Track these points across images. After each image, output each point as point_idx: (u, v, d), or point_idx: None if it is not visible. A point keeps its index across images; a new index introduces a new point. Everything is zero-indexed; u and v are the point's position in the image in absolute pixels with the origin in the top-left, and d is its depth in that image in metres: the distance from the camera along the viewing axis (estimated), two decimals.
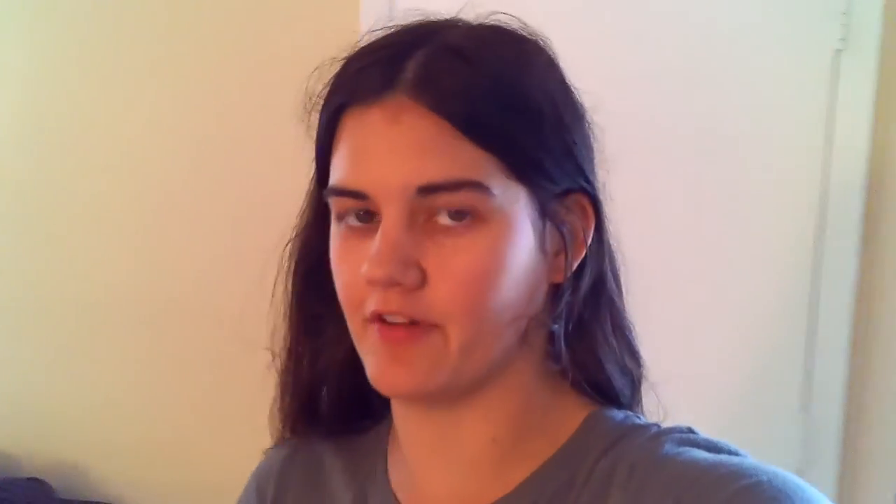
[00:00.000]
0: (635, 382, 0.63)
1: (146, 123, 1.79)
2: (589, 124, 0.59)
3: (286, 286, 0.65)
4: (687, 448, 0.54)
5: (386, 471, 0.65)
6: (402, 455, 0.64)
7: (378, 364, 0.55)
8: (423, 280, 0.53)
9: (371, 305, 0.54)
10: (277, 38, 1.67)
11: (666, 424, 0.59)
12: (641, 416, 0.61)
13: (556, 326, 0.57)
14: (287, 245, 0.64)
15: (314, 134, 0.60)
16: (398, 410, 0.63)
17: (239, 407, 1.71)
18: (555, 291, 0.58)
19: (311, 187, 0.63)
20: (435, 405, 0.59)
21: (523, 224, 0.54)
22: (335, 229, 0.58)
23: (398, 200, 0.52)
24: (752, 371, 1.49)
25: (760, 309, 1.49)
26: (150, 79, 1.78)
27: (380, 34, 0.58)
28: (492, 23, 0.58)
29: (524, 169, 0.54)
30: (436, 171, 0.52)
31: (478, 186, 0.52)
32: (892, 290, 1.45)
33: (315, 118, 0.59)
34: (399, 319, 0.54)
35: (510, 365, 0.58)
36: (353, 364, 0.61)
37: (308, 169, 0.62)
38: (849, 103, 1.41)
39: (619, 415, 0.60)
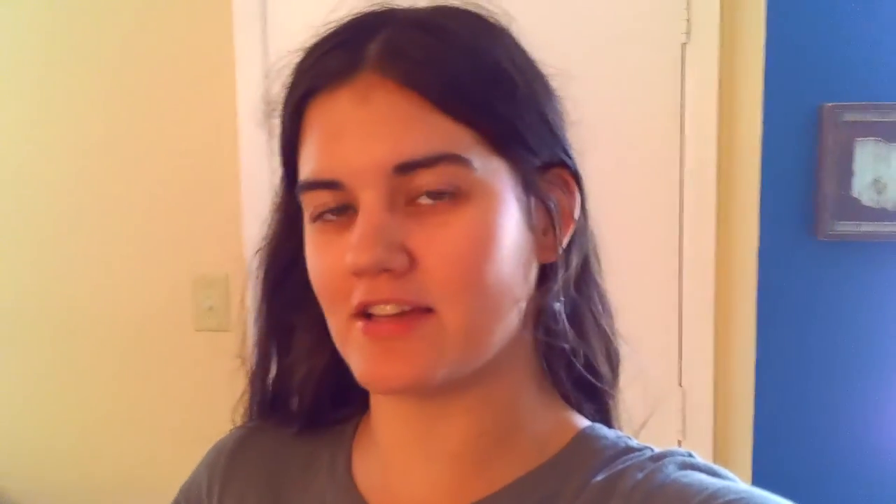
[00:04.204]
0: (616, 369, 0.62)
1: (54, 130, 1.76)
2: (559, 99, 0.58)
3: (256, 295, 0.61)
4: (690, 471, 0.53)
5: (349, 469, 0.61)
6: (376, 454, 0.59)
7: (367, 360, 0.50)
8: (412, 263, 0.49)
9: (357, 297, 0.50)
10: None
11: (658, 449, 0.57)
12: (633, 438, 0.58)
13: (557, 304, 0.55)
14: (256, 253, 0.61)
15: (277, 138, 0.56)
16: (382, 406, 0.59)
17: (136, 410, 1.74)
18: (544, 273, 0.56)
19: (279, 191, 0.59)
20: (426, 397, 0.55)
21: (508, 198, 0.52)
22: (310, 230, 0.53)
23: (376, 183, 0.49)
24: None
25: (631, 295, 1.55)
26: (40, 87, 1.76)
27: (335, 25, 0.54)
28: (451, 3, 0.56)
29: (503, 139, 0.52)
30: (412, 147, 0.49)
31: (457, 159, 0.49)
32: (742, 265, 1.57)
33: (276, 124, 0.56)
34: (388, 310, 0.49)
35: (504, 354, 0.54)
36: (333, 369, 0.58)
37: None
38: (695, 92, 1.52)
39: (611, 434, 0.58)
